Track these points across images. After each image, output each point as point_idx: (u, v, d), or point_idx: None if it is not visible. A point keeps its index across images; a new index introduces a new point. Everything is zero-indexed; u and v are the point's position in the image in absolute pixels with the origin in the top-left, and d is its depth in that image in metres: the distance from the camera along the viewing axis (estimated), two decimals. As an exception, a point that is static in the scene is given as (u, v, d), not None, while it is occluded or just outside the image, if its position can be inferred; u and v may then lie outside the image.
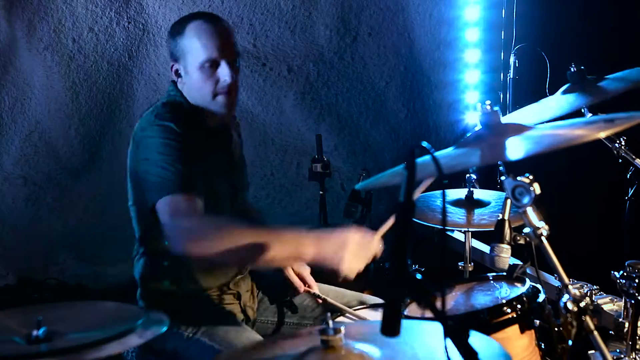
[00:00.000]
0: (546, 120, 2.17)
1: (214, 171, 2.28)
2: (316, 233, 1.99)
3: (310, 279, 2.49)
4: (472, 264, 2.83)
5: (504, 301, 1.86)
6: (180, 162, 2.06)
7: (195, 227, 1.97)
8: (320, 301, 2.47)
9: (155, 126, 2.13)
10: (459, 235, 3.68)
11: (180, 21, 2.28)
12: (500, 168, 1.60)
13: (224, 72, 2.21)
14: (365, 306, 2.38)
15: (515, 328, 1.82)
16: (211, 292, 2.36)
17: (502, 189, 2.51)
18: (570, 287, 1.54)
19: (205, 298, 2.35)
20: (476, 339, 1.21)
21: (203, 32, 2.21)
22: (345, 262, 1.92)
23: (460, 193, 2.80)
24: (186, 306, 2.29)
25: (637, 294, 2.07)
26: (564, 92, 2.38)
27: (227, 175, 2.37)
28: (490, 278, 2.10)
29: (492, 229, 2.10)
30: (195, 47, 2.21)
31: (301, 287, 2.46)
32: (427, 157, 1.32)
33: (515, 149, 1.55)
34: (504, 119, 1.70)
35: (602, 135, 1.45)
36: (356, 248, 1.95)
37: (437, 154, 1.35)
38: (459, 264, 2.83)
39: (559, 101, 2.32)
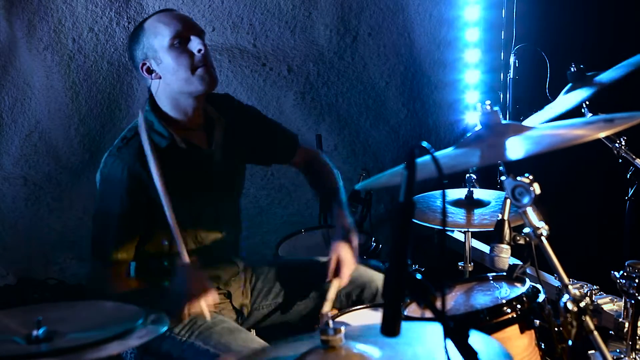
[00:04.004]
0: (548, 119, 2.18)
1: (188, 184, 2.29)
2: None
3: (345, 270, 2.36)
4: (472, 264, 2.83)
5: (504, 301, 1.86)
6: (115, 229, 2.22)
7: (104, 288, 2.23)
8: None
9: (104, 180, 2.24)
10: (459, 235, 3.68)
11: (137, 26, 2.33)
12: (500, 168, 1.60)
13: (194, 44, 2.22)
14: (364, 306, 2.37)
15: (515, 328, 1.82)
16: None
17: (502, 189, 2.52)
18: (570, 287, 1.54)
19: None
20: (477, 339, 1.21)
21: (163, 17, 2.26)
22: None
23: (460, 193, 2.80)
24: None
25: (637, 294, 2.07)
26: (567, 93, 2.39)
27: (206, 183, 2.35)
28: (490, 278, 2.10)
29: (492, 229, 2.10)
30: (160, 30, 2.23)
31: (330, 275, 2.37)
32: (427, 157, 1.32)
33: (515, 149, 1.55)
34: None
35: (602, 135, 1.45)
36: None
37: (437, 154, 1.35)
38: (459, 264, 2.83)
39: (562, 102, 2.33)
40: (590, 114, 2.47)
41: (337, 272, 2.35)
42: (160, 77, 2.27)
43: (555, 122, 1.72)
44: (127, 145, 2.22)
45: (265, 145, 2.57)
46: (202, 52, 2.21)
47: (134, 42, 2.29)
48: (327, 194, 2.57)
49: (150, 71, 2.28)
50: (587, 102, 2.44)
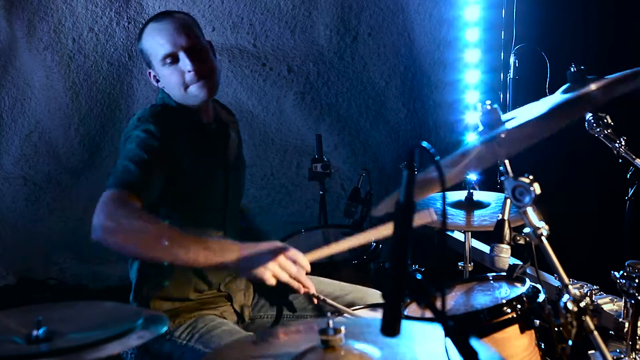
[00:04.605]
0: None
1: (205, 167, 2.29)
2: (242, 243, 1.96)
3: (307, 281, 2.47)
4: (472, 264, 2.83)
5: (504, 301, 1.86)
6: (139, 164, 2.05)
7: (119, 218, 1.93)
8: (315, 301, 2.46)
9: (134, 130, 2.17)
10: (459, 235, 3.68)
11: (141, 28, 2.32)
12: (501, 168, 1.60)
13: (183, 63, 2.23)
14: (364, 306, 2.37)
15: (515, 328, 1.82)
16: (201, 295, 2.36)
17: (502, 190, 2.52)
18: (570, 287, 1.54)
19: (196, 301, 2.36)
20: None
21: (155, 31, 2.26)
22: (266, 272, 1.93)
23: (460, 195, 2.80)
24: (177, 310, 2.31)
25: (637, 294, 2.07)
26: (564, 92, 2.38)
27: (221, 171, 2.37)
28: (490, 278, 2.10)
29: (492, 229, 2.10)
30: (152, 47, 2.25)
31: (300, 289, 2.44)
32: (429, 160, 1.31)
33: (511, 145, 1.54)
34: (504, 116, 1.70)
35: (593, 87, 1.41)
36: (281, 261, 1.95)
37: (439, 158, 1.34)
38: (459, 264, 2.83)
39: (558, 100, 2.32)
40: (590, 114, 2.47)
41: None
42: (163, 85, 2.32)
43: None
44: (157, 117, 2.21)
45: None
46: (192, 72, 2.22)
47: (138, 46, 2.34)
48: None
49: (155, 78, 2.33)
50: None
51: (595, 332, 1.54)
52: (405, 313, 1.93)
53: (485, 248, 3.40)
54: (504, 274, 2.05)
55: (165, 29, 2.24)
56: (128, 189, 1.99)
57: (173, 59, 2.23)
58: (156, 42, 2.24)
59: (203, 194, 2.30)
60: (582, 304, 1.52)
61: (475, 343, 1.20)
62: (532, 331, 1.85)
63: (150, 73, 2.33)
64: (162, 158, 2.13)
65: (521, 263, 1.98)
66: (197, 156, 2.26)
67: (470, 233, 2.82)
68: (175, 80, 2.24)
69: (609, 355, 1.55)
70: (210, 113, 2.38)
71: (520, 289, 1.93)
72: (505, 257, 2.03)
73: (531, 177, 1.55)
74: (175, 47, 2.22)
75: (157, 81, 2.32)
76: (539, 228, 1.56)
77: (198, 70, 2.23)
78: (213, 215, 2.35)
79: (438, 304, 1.21)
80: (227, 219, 2.41)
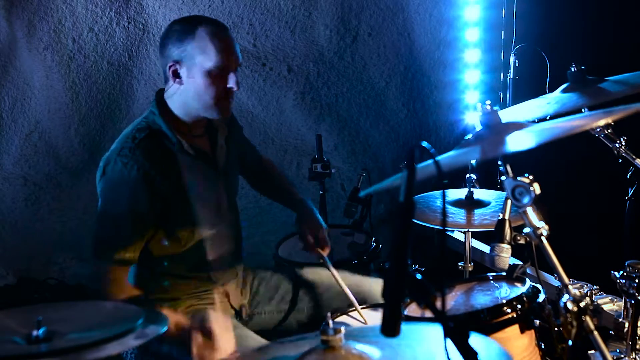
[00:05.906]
0: (545, 116, 2.18)
1: (193, 188, 2.30)
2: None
3: (325, 242, 2.52)
4: (472, 264, 2.83)
5: (504, 301, 1.86)
6: (117, 227, 2.20)
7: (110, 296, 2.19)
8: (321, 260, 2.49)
9: (113, 179, 2.20)
10: (459, 235, 3.68)
11: (188, 23, 2.26)
12: (501, 168, 1.61)
13: (232, 80, 2.26)
14: (365, 306, 2.38)
15: (515, 328, 1.83)
16: (198, 293, 2.37)
17: (502, 189, 2.51)
18: (570, 287, 1.54)
19: (192, 298, 2.37)
20: (476, 340, 1.21)
21: (217, 39, 2.23)
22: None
23: (460, 193, 2.80)
24: (174, 308, 2.32)
25: (637, 294, 2.08)
26: (564, 91, 2.38)
27: (211, 186, 2.38)
28: (490, 278, 2.11)
29: (492, 229, 2.10)
30: (208, 51, 2.21)
31: (313, 247, 2.49)
32: (427, 159, 1.31)
33: (515, 141, 1.55)
34: (503, 113, 1.70)
35: (601, 123, 1.43)
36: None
37: (438, 158, 1.34)
38: (459, 264, 2.83)
39: (559, 99, 2.33)
40: (591, 114, 2.47)
41: (318, 243, 2.50)
42: (182, 84, 2.26)
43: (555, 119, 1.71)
44: (139, 147, 2.22)
45: (244, 153, 2.69)
46: (232, 90, 2.27)
47: (176, 39, 2.24)
48: (285, 191, 2.81)
49: (176, 74, 2.25)
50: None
51: (595, 332, 1.54)
52: (405, 313, 1.93)
53: (486, 248, 3.40)
54: (504, 274, 2.06)
55: (227, 42, 2.26)
56: (115, 263, 2.19)
57: (222, 72, 2.23)
58: (215, 49, 2.21)
59: (194, 206, 2.31)
60: (582, 304, 1.52)
61: (480, 339, 1.20)
62: (532, 331, 1.85)
63: (171, 67, 2.24)
64: (148, 204, 2.20)
65: (521, 263, 1.98)
66: (183, 178, 2.27)
67: (470, 233, 2.81)
68: (212, 91, 2.23)
69: (609, 355, 1.56)
70: (205, 122, 2.38)
71: (520, 289, 1.93)
72: (506, 257, 2.03)
73: (531, 177, 1.55)
74: (231, 64, 2.25)
75: (177, 77, 2.25)
76: (539, 228, 1.56)
77: (234, 92, 2.29)
78: (208, 219, 2.36)
79: (438, 304, 1.21)
80: (222, 222, 2.43)
